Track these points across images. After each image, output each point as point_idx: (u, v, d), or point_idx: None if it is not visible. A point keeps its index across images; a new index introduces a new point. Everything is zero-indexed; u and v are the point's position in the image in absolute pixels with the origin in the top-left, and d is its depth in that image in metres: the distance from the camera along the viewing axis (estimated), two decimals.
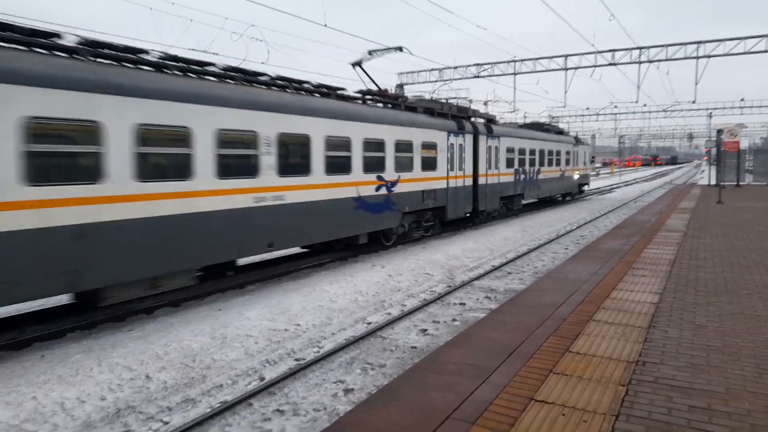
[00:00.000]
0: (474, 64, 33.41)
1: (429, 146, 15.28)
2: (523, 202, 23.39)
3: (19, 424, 5.27)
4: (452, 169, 16.69)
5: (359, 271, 11.99)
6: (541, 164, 24.57)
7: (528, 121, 29.79)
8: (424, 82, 36.06)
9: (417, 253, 14.20)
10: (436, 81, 35.49)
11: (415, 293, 10.46)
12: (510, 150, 21.02)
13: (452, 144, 16.69)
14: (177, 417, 5.53)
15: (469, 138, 17.90)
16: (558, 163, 27.13)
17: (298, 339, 7.82)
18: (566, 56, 30.43)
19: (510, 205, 21.97)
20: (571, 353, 4.92)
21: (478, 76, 33.56)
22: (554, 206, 28.19)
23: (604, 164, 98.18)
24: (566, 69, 30.58)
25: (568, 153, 28.88)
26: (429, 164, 15.30)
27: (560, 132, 29.61)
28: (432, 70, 35.17)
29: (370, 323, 8.59)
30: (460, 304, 9.68)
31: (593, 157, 38.19)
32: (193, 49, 9.74)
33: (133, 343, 7.35)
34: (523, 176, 22.42)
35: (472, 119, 19.25)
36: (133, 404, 5.76)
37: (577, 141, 31.25)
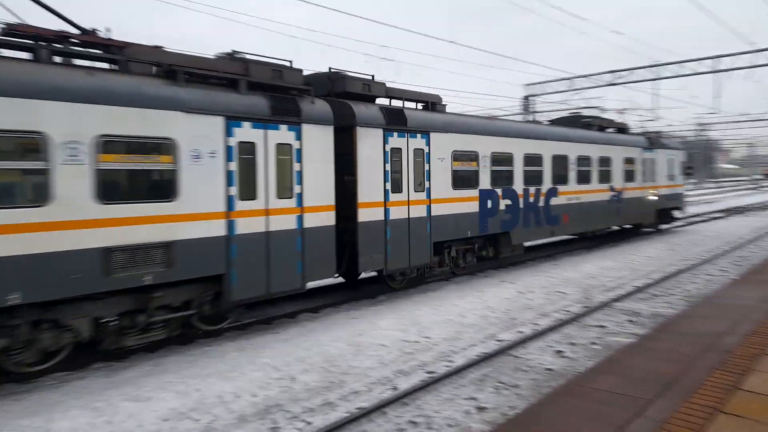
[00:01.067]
0: (608, 71, 31.45)
1: (144, 148, 7.17)
2: (526, 244, 14.06)
3: (186, 413, 5.95)
4: (253, 197, 8.35)
5: (488, 286, 11.79)
6: (560, 181, 14.98)
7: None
8: (552, 93, 34.69)
9: (548, 270, 13.61)
10: (565, 91, 33.99)
11: (548, 312, 10.03)
12: (465, 156, 12.00)
13: (252, 145, 8.36)
14: (318, 418, 5.86)
15: (318, 133, 9.23)
16: (605, 179, 17.12)
17: (429, 352, 7.89)
18: (717, 57, 27.45)
19: (485, 251, 13.07)
20: (741, 391, 4.39)
21: (612, 84, 31.51)
22: (712, 223, 25.36)
23: (766, 176, 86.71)
24: (717, 71, 27.59)
25: (630, 161, 18.58)
26: (150, 189, 7.33)
27: (622, 129, 19.69)
28: (561, 80, 33.74)
29: (501, 341, 8.40)
30: (600, 326, 9.08)
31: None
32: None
33: (279, 345, 7.94)
34: (507, 202, 13.06)
35: (376, 101, 10.97)
36: (280, 402, 6.22)
37: (653, 143, 20.17)
